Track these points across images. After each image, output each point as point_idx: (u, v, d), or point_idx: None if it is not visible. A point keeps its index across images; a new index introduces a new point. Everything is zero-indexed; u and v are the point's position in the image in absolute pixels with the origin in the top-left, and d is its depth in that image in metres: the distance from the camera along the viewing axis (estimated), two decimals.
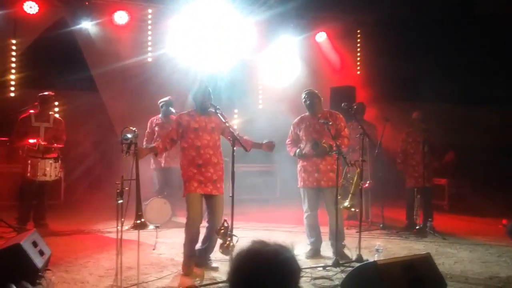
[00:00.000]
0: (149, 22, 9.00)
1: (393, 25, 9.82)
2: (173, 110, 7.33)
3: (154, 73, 8.69)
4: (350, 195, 5.16)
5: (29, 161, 6.45)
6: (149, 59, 9.00)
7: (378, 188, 7.21)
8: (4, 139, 7.25)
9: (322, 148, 5.14)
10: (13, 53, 8.33)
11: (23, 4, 7.86)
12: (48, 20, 8.24)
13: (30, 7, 7.93)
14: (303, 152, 5.37)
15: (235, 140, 4.49)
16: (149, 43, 9.02)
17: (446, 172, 8.84)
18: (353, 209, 5.24)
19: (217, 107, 4.71)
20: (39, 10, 8.00)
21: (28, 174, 6.44)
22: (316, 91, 5.58)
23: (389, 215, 7.46)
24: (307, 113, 5.55)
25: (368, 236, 6.51)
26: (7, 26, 8.10)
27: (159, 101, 7.44)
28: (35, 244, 4.66)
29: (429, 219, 6.85)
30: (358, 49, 10.91)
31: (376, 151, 6.87)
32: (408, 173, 7.12)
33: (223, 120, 4.66)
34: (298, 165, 5.52)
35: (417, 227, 6.78)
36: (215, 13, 8.64)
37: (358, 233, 5.24)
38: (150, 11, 8.93)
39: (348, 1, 9.30)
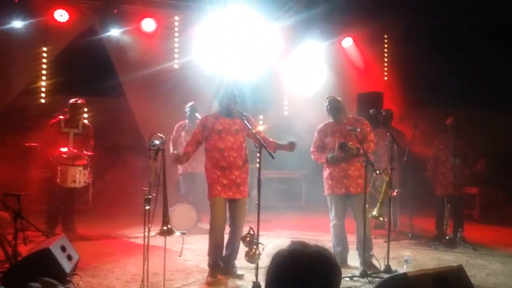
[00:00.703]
0: (176, 29, 9.09)
1: (421, 30, 9.64)
2: (198, 115, 7.40)
3: (180, 80, 8.76)
4: (378, 203, 5.05)
5: (59, 168, 6.56)
6: (176, 66, 9.08)
7: (407, 197, 7.05)
8: (34, 144, 7.40)
9: (349, 148, 5.01)
10: (44, 60, 8.53)
11: (54, 13, 8.04)
12: (78, 28, 8.41)
13: (61, 15, 8.11)
14: (334, 154, 5.24)
15: (261, 146, 4.45)
16: (176, 50, 9.10)
17: (477, 181, 8.58)
18: (381, 219, 5.13)
19: (244, 113, 4.69)
20: (69, 18, 8.17)
21: (58, 181, 6.55)
22: (339, 98, 5.52)
23: (418, 225, 7.29)
24: (331, 120, 5.47)
25: (397, 246, 6.38)
26: (39, 34, 8.29)
27: (186, 107, 7.54)
28: (63, 249, 4.73)
29: (460, 229, 6.67)
30: (386, 54, 10.76)
31: (405, 158, 6.71)
32: (438, 181, 6.95)
33: (249, 127, 4.63)
34: (325, 172, 5.41)
35: (447, 237, 6.59)
36: (241, 19, 8.66)
37: (386, 243, 5.13)
38: (177, 18, 9.02)
39: (375, 6, 9.17)
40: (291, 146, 4.84)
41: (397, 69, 10.40)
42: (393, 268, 4.99)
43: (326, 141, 5.41)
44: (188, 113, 7.51)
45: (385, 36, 10.65)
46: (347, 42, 10.17)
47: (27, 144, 7.39)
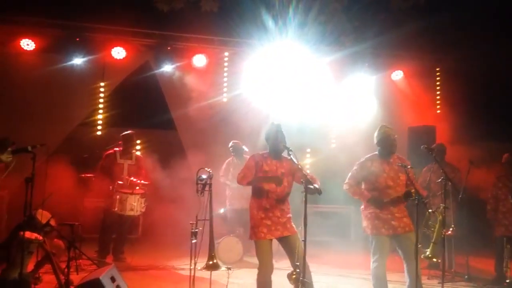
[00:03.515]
0: (226, 64, 9.33)
1: (475, 61, 9.37)
2: (245, 148, 7.55)
3: (228, 113, 8.93)
4: (431, 243, 4.82)
5: (118, 197, 6.79)
6: (225, 99, 9.27)
7: (463, 236, 6.70)
8: (89, 175, 7.72)
9: (412, 197, 4.67)
10: (101, 95, 8.97)
11: (111, 50, 8.50)
12: (133, 64, 8.83)
13: (118, 53, 8.55)
14: (377, 199, 4.95)
15: (307, 183, 4.39)
16: (225, 84, 9.31)
17: None
18: (434, 259, 4.88)
19: (290, 148, 4.67)
20: (126, 55, 8.60)
21: (116, 209, 6.76)
22: (392, 129, 5.15)
23: (476, 266, 6.90)
24: (375, 153, 5.16)
25: None
26: (97, 70, 8.76)
27: (229, 146, 7.76)
28: (113, 279, 4.83)
29: None
30: (438, 87, 10.50)
31: (460, 196, 6.42)
32: (497, 221, 6.56)
33: (296, 162, 4.60)
34: (367, 211, 5.09)
35: (507, 281, 6.18)
36: (289, 54, 8.77)
37: (440, 284, 4.87)
38: (226, 54, 9.27)
39: (426, 39, 9.03)
40: (316, 191, 4.63)
41: (450, 102, 10.09)
42: None
43: (370, 178, 5.07)
44: (232, 152, 7.76)
45: (437, 69, 10.42)
46: (397, 75, 10.03)
47: (83, 175, 7.73)
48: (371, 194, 5.02)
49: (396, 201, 4.86)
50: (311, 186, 4.46)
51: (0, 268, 4.89)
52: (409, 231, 4.79)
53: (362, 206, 5.15)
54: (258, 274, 4.64)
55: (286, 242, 4.69)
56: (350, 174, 5.18)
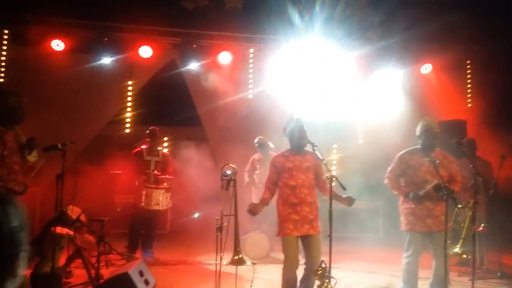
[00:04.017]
0: (251, 61, 9.33)
1: (507, 52, 9.08)
2: (271, 144, 7.55)
3: (254, 109, 8.94)
4: (461, 240, 4.69)
5: (144, 192, 6.94)
6: (250, 96, 9.28)
7: (494, 232, 6.51)
8: (118, 172, 7.88)
9: (443, 191, 4.57)
10: (129, 93, 9.12)
11: (138, 49, 8.63)
12: (160, 63, 8.95)
13: (145, 52, 8.67)
14: (421, 194, 4.83)
15: (332, 178, 4.35)
16: (250, 81, 9.32)
17: None
18: (464, 256, 4.75)
19: (315, 144, 4.64)
20: (152, 54, 8.71)
21: (142, 204, 6.92)
22: (435, 122, 5.01)
23: (509, 263, 6.69)
24: (418, 147, 5.03)
25: (483, 285, 5.89)
26: (125, 69, 8.92)
27: (254, 142, 7.77)
28: (141, 274, 4.92)
29: None
30: (469, 80, 10.23)
31: (491, 191, 6.25)
32: None
33: (320, 157, 4.56)
34: (403, 207, 5.03)
35: None
36: (315, 49, 8.70)
37: (471, 281, 4.75)
38: (251, 50, 9.27)
39: (456, 31, 8.80)
40: (349, 201, 4.64)
41: (482, 95, 9.82)
42: None
43: (408, 172, 5.00)
44: (258, 147, 7.75)
45: (468, 61, 10.15)
46: (426, 69, 9.81)
47: (112, 172, 7.90)
48: (409, 189, 4.93)
49: (435, 197, 4.72)
50: (336, 194, 4.44)
51: (33, 262, 5.05)
52: (444, 230, 4.58)
53: (400, 201, 5.07)
54: (283, 269, 4.64)
55: (308, 241, 4.67)
56: (389, 168, 5.13)
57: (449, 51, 9.65)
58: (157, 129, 7.36)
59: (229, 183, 4.47)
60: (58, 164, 4.78)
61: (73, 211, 5.45)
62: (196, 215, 7.72)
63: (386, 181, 5.13)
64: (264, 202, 4.81)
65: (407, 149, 5.09)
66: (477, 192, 5.09)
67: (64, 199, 4.78)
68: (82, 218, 5.51)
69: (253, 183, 7.71)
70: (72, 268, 5.67)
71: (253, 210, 4.61)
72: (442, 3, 8.60)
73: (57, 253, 4.99)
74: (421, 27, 8.58)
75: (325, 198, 4.49)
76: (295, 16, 8.20)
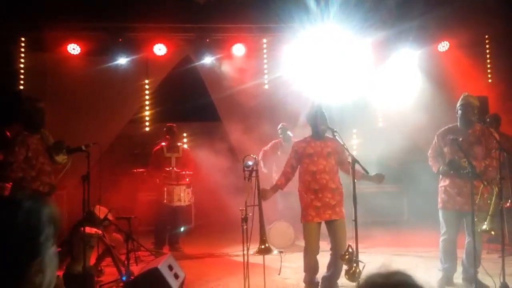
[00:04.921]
0: (265, 51, 9.30)
1: None
2: (290, 133, 7.53)
3: (270, 99, 8.93)
4: (488, 216, 4.64)
5: (165, 189, 7.05)
6: (266, 87, 9.26)
7: None
8: (141, 170, 7.99)
9: (460, 167, 4.56)
10: (147, 92, 9.20)
11: (153, 47, 8.68)
12: (175, 59, 8.98)
13: (159, 49, 8.71)
14: (441, 170, 4.87)
15: (354, 162, 4.36)
16: (266, 71, 9.30)
17: None
18: (492, 232, 4.70)
19: (335, 129, 4.64)
20: (167, 51, 8.74)
21: (165, 201, 7.03)
22: (475, 98, 4.93)
23: None
24: (457, 124, 4.97)
25: None
26: (141, 68, 8.98)
27: (278, 128, 7.72)
28: (170, 268, 4.99)
29: None
30: (488, 55, 10.00)
31: None
32: None
33: (341, 142, 4.56)
34: (440, 184, 5.03)
35: None
36: (331, 35, 8.61)
37: (500, 258, 4.69)
38: (265, 40, 9.24)
39: (472, 6, 8.59)
40: (378, 179, 4.67)
41: (503, 70, 9.61)
42: (511, 285, 4.54)
43: (444, 150, 4.98)
44: (280, 134, 7.69)
45: (486, 36, 9.92)
46: (444, 46, 9.62)
47: (135, 170, 8.01)
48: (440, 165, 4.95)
49: (464, 175, 4.62)
50: (366, 172, 4.46)
51: (64, 263, 5.17)
52: (478, 210, 4.57)
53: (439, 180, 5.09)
54: (304, 256, 4.71)
55: (332, 226, 4.70)
56: (431, 145, 5.16)
57: (466, 27, 9.43)
58: (174, 125, 7.43)
59: (251, 173, 4.49)
60: (82, 165, 4.88)
61: (100, 211, 5.55)
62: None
63: (429, 159, 5.16)
64: (277, 187, 4.87)
65: (446, 126, 5.07)
66: (502, 168, 5.00)
67: (90, 199, 4.88)
68: (110, 217, 5.61)
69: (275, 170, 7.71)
70: (102, 267, 5.79)
71: (264, 195, 4.65)
72: None
73: (88, 252, 5.10)
74: (439, 10, 8.43)
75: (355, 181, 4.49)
76: (310, 2, 8.10)
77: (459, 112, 4.91)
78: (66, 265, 5.22)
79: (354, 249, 4.17)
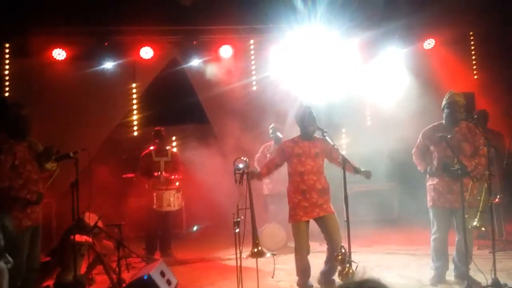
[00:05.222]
0: (252, 52, 9.28)
1: (509, 22, 8.95)
2: (279, 134, 7.51)
3: (258, 99, 8.91)
4: (478, 213, 4.67)
5: (155, 194, 6.99)
6: (254, 87, 9.25)
7: (511, 203, 6.47)
8: (130, 175, 7.92)
9: (453, 172, 4.57)
10: (134, 96, 9.12)
11: (139, 51, 8.60)
12: (162, 62, 8.91)
13: (146, 53, 8.62)
14: (433, 171, 4.89)
15: (345, 161, 4.37)
16: (253, 72, 9.28)
17: None
18: (483, 228, 4.73)
19: (324, 130, 4.65)
20: (153, 54, 8.67)
21: (155, 206, 6.97)
22: (461, 95, 4.93)
23: None
24: (442, 122, 5.00)
25: (504, 257, 5.87)
26: (128, 72, 8.89)
27: (269, 128, 7.69)
28: (163, 274, 4.95)
29: None
30: (473, 52, 10.10)
31: (505, 161, 6.19)
32: None
33: (331, 143, 4.57)
34: (428, 183, 5.05)
35: None
36: (318, 36, 8.62)
37: (491, 254, 4.73)
38: (252, 41, 9.22)
39: (456, 4, 8.67)
40: (366, 174, 4.68)
41: (488, 66, 9.71)
42: (502, 281, 4.58)
43: (431, 148, 5.00)
44: (271, 134, 7.67)
45: (471, 33, 10.01)
46: (430, 44, 9.69)
47: (124, 176, 7.94)
48: (427, 164, 4.97)
49: (454, 173, 4.62)
50: (357, 169, 4.49)
51: (55, 272, 5.10)
52: (468, 207, 4.59)
53: (427, 179, 5.10)
54: (295, 256, 4.73)
55: (322, 222, 4.73)
56: (416, 144, 5.17)
57: (451, 24, 9.51)
58: (163, 129, 7.37)
59: (242, 176, 4.47)
60: (70, 172, 4.81)
61: (90, 218, 5.48)
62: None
63: (413, 157, 5.16)
64: (259, 175, 4.95)
65: (431, 125, 5.08)
66: (491, 164, 5.03)
67: (79, 207, 4.82)
68: (100, 224, 5.55)
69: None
70: (94, 275, 5.72)
71: (251, 175, 4.69)
72: None
73: (78, 261, 5.03)
74: (424, 9, 8.50)
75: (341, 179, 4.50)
76: (297, 2, 8.10)
77: (446, 111, 4.93)
78: (57, 274, 5.16)
79: (347, 250, 4.18)
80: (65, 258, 5.08)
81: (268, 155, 7.58)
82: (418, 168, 5.14)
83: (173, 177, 7.09)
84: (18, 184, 4.63)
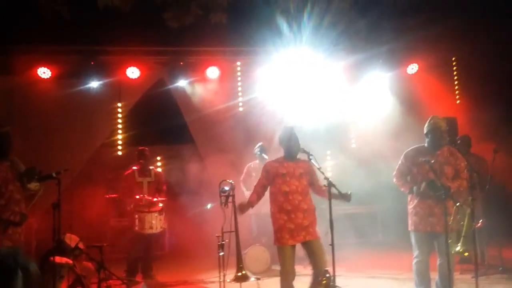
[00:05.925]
0: (239, 73, 9.35)
1: (491, 49, 9.18)
2: (265, 156, 7.50)
3: (244, 121, 8.95)
4: (462, 238, 4.69)
5: (137, 216, 6.85)
6: (241, 109, 9.28)
7: (493, 228, 6.53)
8: (113, 196, 7.82)
9: (439, 188, 4.58)
10: (119, 115, 9.05)
11: (126, 70, 8.59)
12: (148, 82, 8.90)
13: (132, 72, 8.61)
14: (421, 190, 4.87)
15: (330, 185, 4.38)
16: (240, 94, 9.33)
17: None
18: (466, 254, 4.75)
19: (310, 153, 4.67)
20: (140, 74, 8.66)
21: (136, 228, 6.83)
22: (443, 120, 5.00)
23: (510, 257, 6.70)
24: (424, 145, 5.02)
25: (486, 281, 5.91)
26: (113, 91, 8.84)
27: (255, 148, 7.68)
28: None
29: None
30: (455, 77, 10.31)
31: (487, 186, 6.27)
32: None
33: (317, 166, 4.59)
34: (410, 206, 5.04)
35: None
36: (303, 60, 8.74)
37: (474, 278, 4.74)
38: (238, 63, 9.30)
39: (439, 29, 8.89)
40: (345, 197, 4.65)
41: (470, 92, 9.91)
42: None
43: (413, 170, 5.00)
44: (257, 154, 7.67)
45: (453, 58, 10.25)
46: (413, 69, 9.88)
47: (107, 196, 7.83)
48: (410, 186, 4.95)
49: (435, 196, 4.66)
50: (337, 192, 4.47)
51: None
52: (450, 231, 4.60)
53: (408, 202, 5.08)
54: (281, 280, 4.67)
55: (308, 246, 4.69)
56: (397, 166, 5.14)
57: (434, 50, 9.73)
58: (146, 149, 7.30)
59: (227, 198, 4.45)
60: (51, 192, 4.73)
61: (71, 239, 5.38)
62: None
63: (394, 179, 5.15)
64: (250, 204, 4.86)
65: (414, 147, 5.10)
66: (473, 188, 5.09)
67: (61, 227, 4.72)
68: (81, 245, 5.45)
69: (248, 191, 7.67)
70: None
71: (241, 209, 4.68)
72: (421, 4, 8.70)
73: (58, 283, 4.92)
74: (407, 35, 8.69)
75: (326, 203, 4.47)
76: (283, 26, 8.22)
77: (429, 136, 4.97)
78: None
79: (331, 274, 4.15)
80: (45, 280, 4.95)
81: (254, 174, 7.55)
82: (402, 190, 5.12)
83: (156, 199, 6.96)
84: (0, 204, 4.53)
